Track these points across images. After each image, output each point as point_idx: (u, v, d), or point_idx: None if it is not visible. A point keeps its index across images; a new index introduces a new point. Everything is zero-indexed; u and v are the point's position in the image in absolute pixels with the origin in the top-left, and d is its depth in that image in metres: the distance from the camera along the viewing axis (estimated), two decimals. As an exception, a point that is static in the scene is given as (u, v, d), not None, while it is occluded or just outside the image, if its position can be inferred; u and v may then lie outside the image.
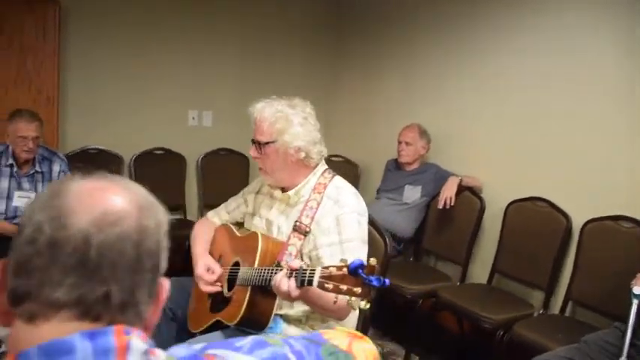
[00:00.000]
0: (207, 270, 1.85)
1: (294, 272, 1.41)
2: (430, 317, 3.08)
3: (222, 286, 1.84)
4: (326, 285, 1.27)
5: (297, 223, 1.76)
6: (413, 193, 3.30)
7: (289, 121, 1.77)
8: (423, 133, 3.35)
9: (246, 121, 1.86)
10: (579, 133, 2.72)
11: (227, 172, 4.08)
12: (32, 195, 2.97)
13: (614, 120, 2.58)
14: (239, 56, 4.23)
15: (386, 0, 4.02)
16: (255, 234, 1.78)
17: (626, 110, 2.53)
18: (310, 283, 1.32)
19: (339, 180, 1.86)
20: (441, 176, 3.19)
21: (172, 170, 4.03)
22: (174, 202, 3.99)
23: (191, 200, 4.10)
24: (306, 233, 1.75)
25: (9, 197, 2.93)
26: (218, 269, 1.85)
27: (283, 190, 1.87)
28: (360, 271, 1.22)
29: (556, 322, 2.56)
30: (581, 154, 2.71)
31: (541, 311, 2.70)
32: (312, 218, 1.76)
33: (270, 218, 1.91)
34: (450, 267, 3.24)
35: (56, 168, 3.06)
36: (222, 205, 2.16)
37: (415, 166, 3.38)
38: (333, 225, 1.73)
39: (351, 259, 1.67)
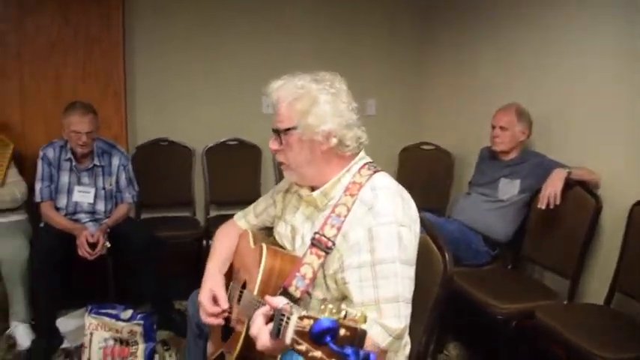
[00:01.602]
0: (211, 298, 1.49)
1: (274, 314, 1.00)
2: (530, 340, 2.50)
3: (230, 312, 1.49)
4: (297, 346, 0.85)
5: (317, 235, 1.35)
6: (510, 188, 2.71)
7: (313, 99, 1.36)
8: (522, 115, 2.74)
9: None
10: None
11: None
12: (92, 190, 2.86)
13: None
14: (318, 39, 3.86)
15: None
16: (260, 248, 1.40)
17: None
18: (284, 335, 0.90)
19: (380, 178, 1.41)
20: (545, 168, 2.56)
21: (247, 162, 3.78)
22: (249, 197, 3.73)
23: (267, 194, 3.82)
24: (328, 249, 1.33)
25: (69, 192, 2.84)
26: (223, 301, 1.47)
27: (313, 188, 1.47)
28: (328, 338, 0.79)
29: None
30: None
31: (680, 348, 2.03)
32: (339, 229, 1.34)
33: (296, 225, 1.52)
34: (557, 280, 2.61)
35: (115, 162, 2.93)
36: (252, 205, 1.81)
37: (513, 155, 2.78)
38: (365, 240, 1.29)
39: (387, 289, 1.25)
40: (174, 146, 3.65)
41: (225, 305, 1.46)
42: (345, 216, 1.35)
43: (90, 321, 2.17)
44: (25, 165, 3.05)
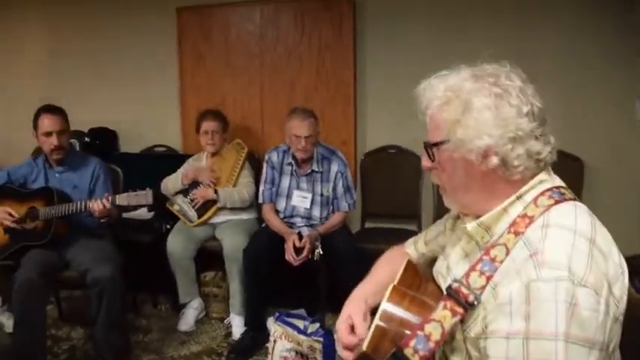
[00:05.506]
0: (349, 326, 1.22)
1: None
2: None
3: None
4: None
5: (456, 285, 0.97)
6: None
7: (465, 103, 0.99)
8: None
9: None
10: None
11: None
12: (309, 195, 2.89)
13: None
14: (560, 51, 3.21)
15: None
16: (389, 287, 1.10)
17: None
18: None
19: (561, 210, 0.96)
20: None
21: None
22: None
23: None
24: (468, 305, 0.96)
25: (289, 196, 2.92)
26: (361, 330, 1.18)
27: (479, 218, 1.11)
28: None
29: None
30: None
31: None
32: (489, 278, 0.95)
33: (450, 262, 1.18)
34: None
35: (334, 168, 2.91)
36: (425, 231, 1.49)
37: None
38: (520, 300, 0.88)
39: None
40: (403, 154, 3.48)
41: (362, 335, 1.18)
42: (501, 261, 0.95)
43: (275, 328, 2.15)
44: (261, 169, 3.25)
